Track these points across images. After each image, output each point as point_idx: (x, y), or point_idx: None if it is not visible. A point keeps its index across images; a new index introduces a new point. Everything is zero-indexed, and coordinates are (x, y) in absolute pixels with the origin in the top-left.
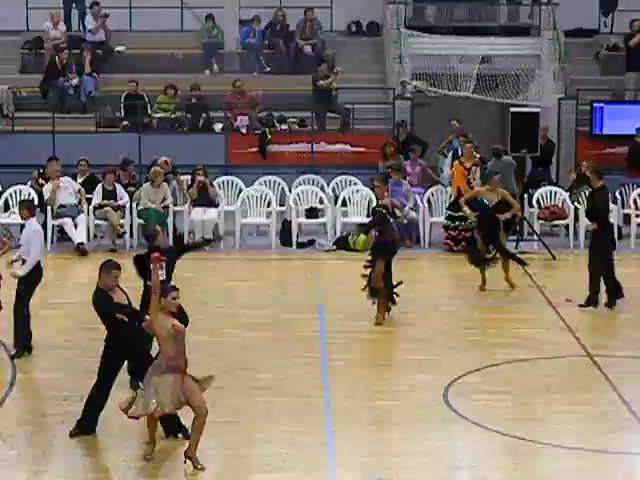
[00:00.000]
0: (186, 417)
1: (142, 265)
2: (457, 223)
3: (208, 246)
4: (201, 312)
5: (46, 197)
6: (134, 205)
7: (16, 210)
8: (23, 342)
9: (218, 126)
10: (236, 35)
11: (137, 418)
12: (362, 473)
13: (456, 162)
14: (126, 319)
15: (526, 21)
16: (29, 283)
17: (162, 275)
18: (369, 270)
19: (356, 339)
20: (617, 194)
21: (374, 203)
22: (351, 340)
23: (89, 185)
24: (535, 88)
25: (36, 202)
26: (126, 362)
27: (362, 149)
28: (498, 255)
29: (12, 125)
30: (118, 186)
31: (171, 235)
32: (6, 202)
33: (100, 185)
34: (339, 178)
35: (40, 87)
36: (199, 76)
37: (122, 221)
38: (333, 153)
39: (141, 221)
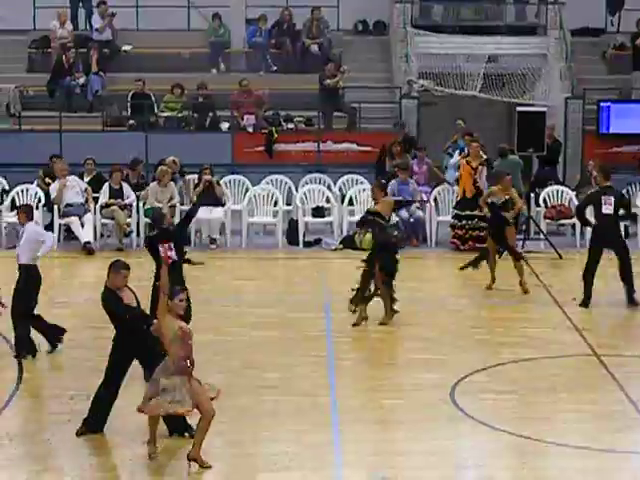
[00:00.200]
0: (191, 417)
1: (152, 247)
2: (464, 222)
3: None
4: (207, 311)
5: (53, 196)
6: (141, 204)
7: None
8: (22, 346)
9: (225, 125)
10: (243, 34)
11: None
12: (368, 472)
13: (463, 161)
14: (135, 320)
15: (533, 20)
16: (27, 287)
17: (173, 256)
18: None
19: (363, 338)
20: (624, 193)
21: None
22: (358, 339)
23: (96, 184)
24: (542, 87)
25: (43, 201)
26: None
27: (369, 148)
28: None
29: (19, 124)
30: (125, 185)
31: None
32: (13, 201)
33: (107, 184)
34: (346, 177)
35: (47, 86)
36: (206, 75)
37: (129, 220)
38: (340, 152)
39: (148, 220)
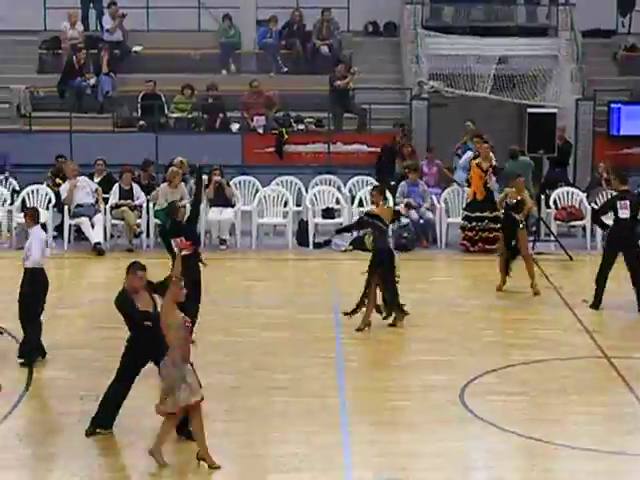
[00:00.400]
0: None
1: (165, 239)
2: (474, 223)
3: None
4: (217, 312)
5: (63, 197)
6: (151, 205)
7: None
8: (29, 349)
9: (235, 126)
10: (253, 35)
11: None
12: (376, 473)
13: (473, 163)
14: (151, 325)
15: (544, 22)
16: (33, 291)
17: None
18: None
19: (372, 339)
20: None
21: (391, 203)
22: (367, 340)
23: (106, 185)
24: (552, 89)
25: (53, 202)
26: None
27: (379, 149)
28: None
29: (29, 125)
30: (135, 186)
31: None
32: (23, 201)
33: (117, 185)
34: (356, 178)
35: (57, 87)
36: (216, 76)
37: (139, 221)
38: (350, 153)
39: (158, 221)
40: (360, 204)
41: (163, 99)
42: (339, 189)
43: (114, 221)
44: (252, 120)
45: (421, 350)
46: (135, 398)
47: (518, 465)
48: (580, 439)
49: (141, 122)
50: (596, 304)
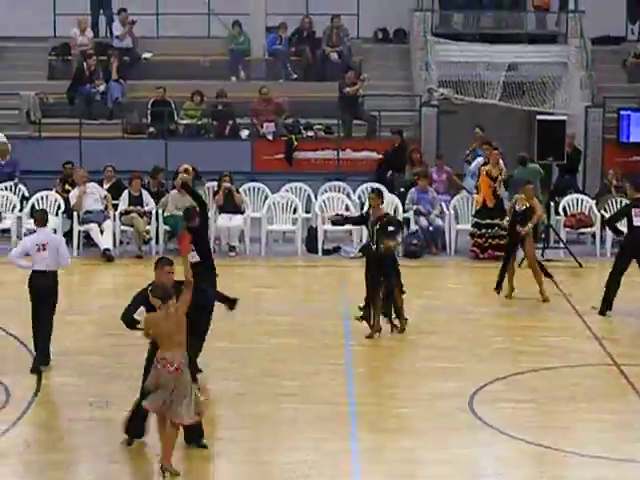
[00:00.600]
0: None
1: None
2: (484, 230)
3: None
4: (226, 318)
5: (72, 203)
6: (160, 211)
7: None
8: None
9: (244, 133)
10: (263, 42)
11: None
12: None
13: (483, 170)
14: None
15: (553, 29)
16: (32, 295)
17: (194, 257)
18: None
19: (381, 346)
20: None
21: (400, 210)
22: (376, 347)
23: (115, 191)
24: (562, 96)
25: (62, 208)
26: None
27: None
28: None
29: (39, 131)
30: (144, 192)
31: None
32: (32, 208)
33: (126, 191)
34: (365, 185)
35: (67, 93)
36: (225, 83)
37: (148, 227)
38: (359, 160)
39: (167, 228)
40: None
41: (173, 106)
42: (348, 196)
43: (123, 227)
44: (262, 127)
45: (430, 357)
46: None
47: (527, 473)
48: (589, 446)
49: (150, 129)
50: (603, 310)
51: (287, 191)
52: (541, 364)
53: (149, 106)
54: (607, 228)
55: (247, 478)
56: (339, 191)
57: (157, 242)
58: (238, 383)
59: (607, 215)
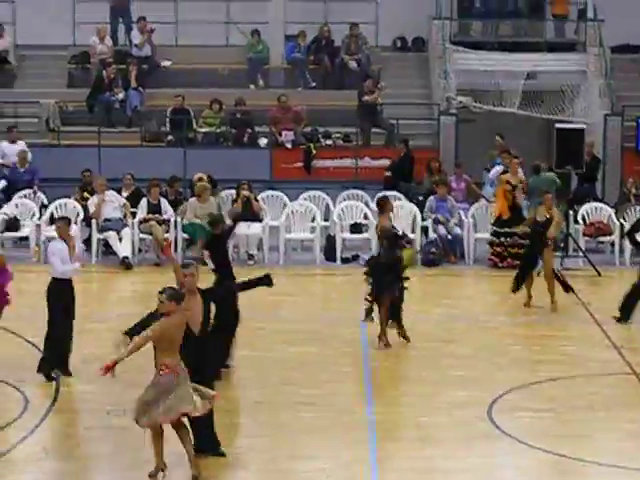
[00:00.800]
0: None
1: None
2: (503, 239)
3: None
4: (244, 326)
5: (91, 211)
6: (179, 219)
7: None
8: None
9: (263, 141)
10: (281, 50)
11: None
12: None
13: (503, 178)
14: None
15: (572, 37)
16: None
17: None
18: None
19: (399, 355)
20: None
21: (418, 218)
22: (394, 356)
23: (134, 199)
24: (581, 104)
25: (81, 216)
26: None
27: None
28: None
29: (58, 139)
30: (163, 200)
31: None
32: (51, 216)
33: (145, 199)
34: (383, 193)
35: (86, 101)
36: (244, 91)
37: (166, 235)
38: (377, 168)
39: (186, 236)
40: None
41: (191, 114)
42: (367, 204)
43: (142, 235)
44: (280, 135)
45: (449, 366)
46: None
47: None
48: (607, 456)
49: (169, 137)
50: (625, 317)
51: (305, 199)
52: (559, 373)
53: (168, 114)
54: (627, 240)
55: None
56: (357, 199)
57: (176, 250)
58: (257, 391)
59: (626, 224)
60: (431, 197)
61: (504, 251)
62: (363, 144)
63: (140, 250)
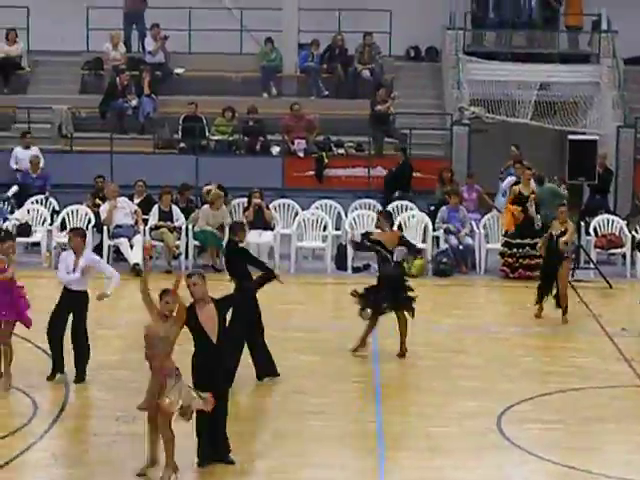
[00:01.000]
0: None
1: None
2: (514, 250)
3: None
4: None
5: (103, 217)
6: (190, 227)
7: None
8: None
9: (275, 149)
10: (295, 59)
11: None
12: None
13: (515, 189)
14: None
15: (585, 48)
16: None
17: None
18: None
19: (409, 365)
20: None
21: (430, 228)
22: (404, 365)
23: (146, 206)
24: (594, 116)
25: (92, 222)
26: None
27: (419, 174)
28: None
29: (71, 145)
30: (174, 207)
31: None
32: (63, 222)
33: (156, 206)
34: (395, 203)
35: (99, 108)
36: (257, 99)
37: (178, 242)
38: None
39: (197, 243)
40: (399, 228)
41: (204, 121)
42: None
43: (153, 242)
44: (292, 143)
45: (459, 376)
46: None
47: None
48: (617, 468)
49: (181, 144)
50: None
51: (317, 208)
52: (570, 385)
53: (180, 121)
54: (639, 252)
55: None
56: (369, 209)
57: (187, 257)
58: (266, 400)
59: (638, 236)
60: (443, 207)
61: (515, 262)
62: (375, 153)
63: (151, 257)
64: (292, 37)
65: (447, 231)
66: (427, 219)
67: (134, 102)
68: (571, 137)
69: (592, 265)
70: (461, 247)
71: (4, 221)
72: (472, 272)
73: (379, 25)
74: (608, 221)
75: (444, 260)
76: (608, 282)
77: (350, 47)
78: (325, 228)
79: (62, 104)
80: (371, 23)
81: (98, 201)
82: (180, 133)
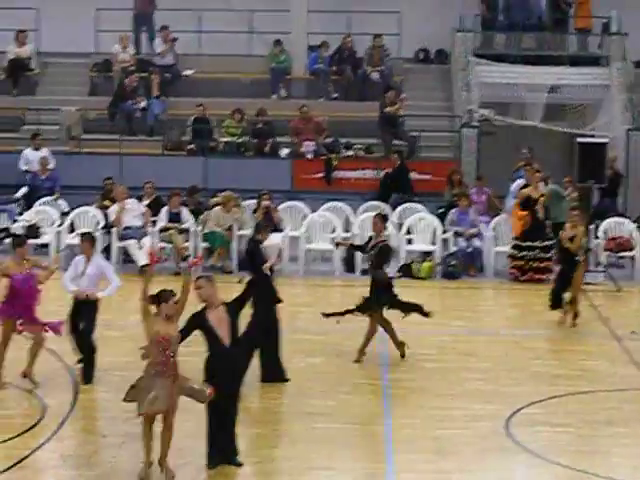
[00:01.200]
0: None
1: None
2: (524, 253)
3: None
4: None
5: (112, 219)
6: (199, 228)
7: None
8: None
9: (284, 151)
10: (304, 60)
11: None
12: None
13: (523, 192)
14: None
15: (595, 51)
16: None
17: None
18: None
19: (418, 367)
20: None
21: (439, 231)
22: (413, 368)
23: (154, 207)
24: (603, 118)
25: (101, 224)
26: None
27: (428, 177)
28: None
29: (79, 147)
30: (183, 209)
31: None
32: (72, 223)
33: (165, 208)
34: (404, 205)
35: (108, 109)
36: (266, 101)
37: (186, 244)
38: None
39: (206, 244)
40: (408, 231)
41: (213, 123)
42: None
43: (162, 244)
44: (301, 145)
45: (467, 379)
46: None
47: None
48: (626, 472)
49: (190, 146)
50: None
51: (326, 210)
52: (578, 388)
53: (189, 123)
54: None
55: None
56: (378, 211)
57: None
58: (274, 402)
59: None
60: (452, 210)
61: (525, 265)
62: (384, 156)
63: (157, 261)
64: (301, 39)
65: (456, 234)
66: (436, 221)
67: (143, 104)
68: (580, 140)
69: (601, 268)
70: (470, 250)
71: (13, 222)
72: (481, 275)
73: (388, 27)
74: (617, 224)
75: (453, 263)
76: (617, 285)
77: (359, 49)
78: (334, 230)
79: (71, 106)
80: (380, 25)
81: (107, 203)
82: (189, 135)
